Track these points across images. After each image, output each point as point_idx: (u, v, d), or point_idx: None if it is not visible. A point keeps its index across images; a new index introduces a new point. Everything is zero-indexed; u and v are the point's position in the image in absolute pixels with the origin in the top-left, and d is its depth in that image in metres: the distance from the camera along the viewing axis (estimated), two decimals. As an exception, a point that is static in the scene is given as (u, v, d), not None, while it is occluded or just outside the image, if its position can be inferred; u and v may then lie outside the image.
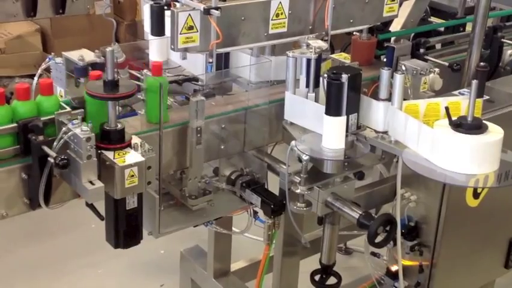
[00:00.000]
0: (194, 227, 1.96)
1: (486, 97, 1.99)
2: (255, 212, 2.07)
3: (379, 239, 1.80)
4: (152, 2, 1.94)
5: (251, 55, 2.10)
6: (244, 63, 2.10)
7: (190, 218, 1.91)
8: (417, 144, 1.67)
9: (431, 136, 1.62)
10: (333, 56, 2.25)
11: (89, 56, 1.79)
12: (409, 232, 1.99)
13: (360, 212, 1.78)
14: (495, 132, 1.58)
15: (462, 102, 1.77)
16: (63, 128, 1.56)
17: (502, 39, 2.39)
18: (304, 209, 1.82)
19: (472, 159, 1.55)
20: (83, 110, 1.64)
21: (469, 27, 2.50)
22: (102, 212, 1.70)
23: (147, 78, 1.78)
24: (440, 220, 1.93)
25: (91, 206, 1.67)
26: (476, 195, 1.97)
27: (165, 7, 1.92)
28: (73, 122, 1.56)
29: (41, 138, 1.57)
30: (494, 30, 2.38)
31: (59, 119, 1.60)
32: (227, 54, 2.10)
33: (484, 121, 1.61)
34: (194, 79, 1.98)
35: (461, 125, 1.58)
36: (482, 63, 1.78)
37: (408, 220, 2.01)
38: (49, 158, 1.54)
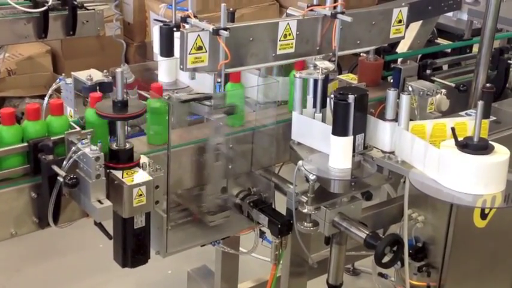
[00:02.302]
0: (201, 246, 1.97)
1: (493, 118, 2.00)
2: (263, 232, 2.07)
3: (386, 259, 1.80)
4: (162, 24, 1.97)
5: (259, 75, 2.12)
6: (252, 83, 2.11)
7: (197, 237, 1.91)
8: (424, 165, 1.67)
9: (437, 156, 1.62)
10: (340, 76, 2.26)
11: (97, 75, 1.81)
12: (416, 253, 1.99)
13: (367, 232, 1.78)
14: (501, 153, 1.58)
15: (468, 123, 1.78)
16: (73, 148, 1.58)
17: (509, 61, 2.40)
18: (311, 228, 1.82)
19: (478, 180, 1.55)
20: (92, 129, 1.67)
21: (475, 49, 2.51)
22: (110, 231, 1.71)
23: (148, 100, 1.81)
24: (448, 241, 1.93)
25: (99, 225, 1.68)
26: (483, 215, 1.97)
27: (174, 29, 1.95)
28: (82, 142, 1.58)
29: (50, 157, 1.59)
30: (501, 52, 2.40)
31: (68, 139, 1.62)
32: (235, 75, 2.12)
33: (490, 142, 1.61)
34: (207, 98, 2.00)
35: (467, 146, 1.58)
36: (488, 84, 1.79)
37: (416, 241, 2.00)
38: (58, 177, 1.56)
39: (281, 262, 2.05)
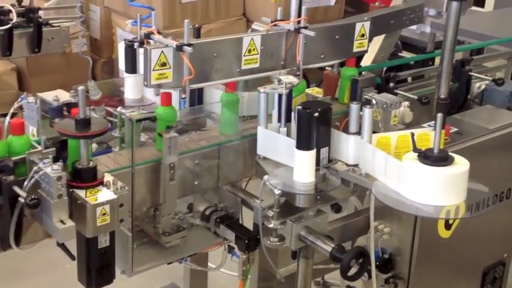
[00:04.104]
0: (168, 264, 1.95)
1: (455, 129, 2.03)
2: (232, 248, 2.06)
3: (354, 271, 1.80)
4: (127, 40, 1.96)
5: (223, 91, 2.12)
6: (218, 98, 2.12)
7: (163, 255, 1.90)
8: (385, 177, 1.69)
9: (398, 168, 1.64)
10: (305, 90, 2.28)
11: (64, 96, 1.80)
12: (383, 264, 2.00)
13: (333, 245, 1.79)
14: (461, 164, 1.61)
15: (431, 134, 1.80)
16: (34, 168, 1.56)
17: (470, 73, 2.44)
18: (277, 243, 1.82)
19: (438, 191, 1.57)
20: (54, 149, 1.65)
21: (438, 61, 2.55)
22: (75, 250, 1.68)
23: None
24: (414, 252, 1.95)
25: (62, 246, 1.66)
26: (448, 226, 1.99)
27: (139, 45, 1.94)
28: (44, 161, 1.56)
29: (11, 178, 1.56)
30: (462, 64, 2.43)
31: (30, 159, 1.60)
32: (200, 90, 2.12)
33: (450, 153, 1.63)
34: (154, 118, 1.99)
35: (427, 157, 1.60)
36: (443, 96, 1.82)
37: (382, 252, 2.02)
38: (20, 198, 1.54)
39: (249, 277, 2.05)
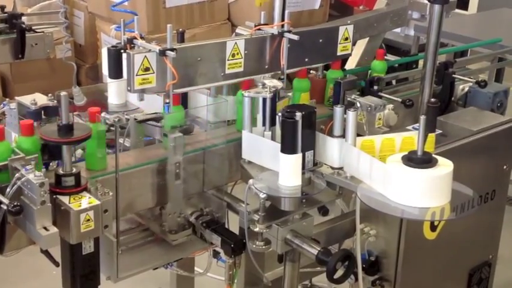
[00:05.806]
0: (154, 269, 1.94)
1: (439, 131, 2.04)
2: (217, 252, 2.06)
3: (340, 273, 1.80)
4: (110, 46, 1.95)
5: (208, 95, 2.12)
6: (202, 103, 2.11)
7: (149, 260, 1.89)
8: (370, 179, 1.69)
9: (382, 171, 1.64)
10: (290, 94, 2.28)
11: (41, 99, 1.78)
12: (370, 267, 2.00)
13: (319, 249, 1.79)
14: (445, 166, 1.61)
15: (415, 137, 1.81)
16: (16, 174, 1.55)
17: (454, 75, 2.46)
18: (264, 247, 1.81)
19: (423, 193, 1.58)
20: (37, 155, 1.63)
21: (422, 63, 2.56)
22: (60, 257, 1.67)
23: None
24: (400, 254, 1.95)
25: (46, 253, 1.65)
26: (433, 227, 2.00)
27: (122, 50, 1.93)
28: (26, 168, 1.55)
29: (-7, 185, 1.56)
30: (446, 66, 2.45)
31: (12, 165, 1.59)
32: (185, 95, 2.12)
33: (434, 155, 1.64)
34: (158, 118, 1.99)
35: (411, 160, 1.61)
36: (432, 99, 1.83)
37: (369, 255, 2.02)
38: (2, 205, 1.52)
39: (235, 282, 2.04)
